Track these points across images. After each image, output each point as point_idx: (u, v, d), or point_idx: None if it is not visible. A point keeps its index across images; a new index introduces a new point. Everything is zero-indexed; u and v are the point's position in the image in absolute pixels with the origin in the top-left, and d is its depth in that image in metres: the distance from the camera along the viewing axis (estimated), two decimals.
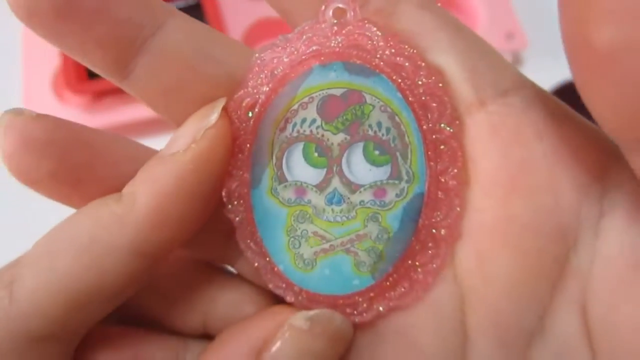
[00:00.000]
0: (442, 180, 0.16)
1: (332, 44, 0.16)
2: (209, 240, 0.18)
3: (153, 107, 0.17)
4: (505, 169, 0.15)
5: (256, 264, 0.17)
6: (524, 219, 0.15)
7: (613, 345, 0.14)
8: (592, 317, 0.15)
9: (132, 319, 0.19)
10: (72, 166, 0.16)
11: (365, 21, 0.16)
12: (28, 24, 0.15)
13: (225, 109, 0.16)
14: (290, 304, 0.17)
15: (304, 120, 0.16)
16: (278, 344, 0.16)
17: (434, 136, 0.16)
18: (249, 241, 0.17)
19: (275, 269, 0.17)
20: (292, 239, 0.17)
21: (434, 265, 0.16)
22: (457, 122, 0.16)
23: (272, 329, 0.16)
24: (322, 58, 0.16)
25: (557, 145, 0.15)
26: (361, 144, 0.16)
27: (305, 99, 0.16)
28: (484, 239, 0.16)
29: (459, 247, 0.16)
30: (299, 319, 0.16)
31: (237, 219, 0.17)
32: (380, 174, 0.16)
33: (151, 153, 0.17)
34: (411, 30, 0.16)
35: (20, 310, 0.15)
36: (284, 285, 0.17)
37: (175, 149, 0.15)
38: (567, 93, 0.47)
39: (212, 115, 0.16)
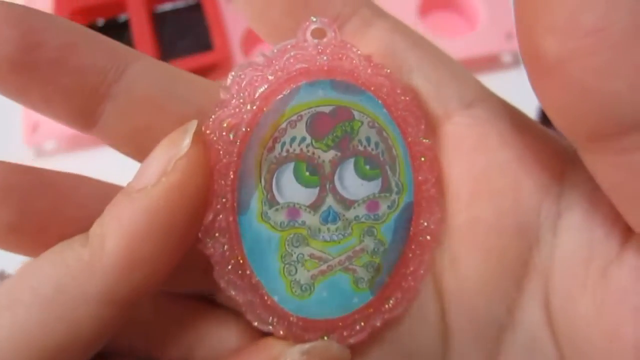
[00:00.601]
0: (424, 189, 0.17)
1: (319, 62, 0.16)
2: (185, 275, 0.17)
3: (123, 151, 0.16)
4: (471, 175, 0.17)
5: (241, 301, 0.16)
6: (488, 221, 0.16)
7: (572, 334, 0.16)
8: (554, 309, 0.16)
9: (114, 353, 0.18)
10: (33, 215, 0.15)
11: (346, 42, 0.16)
12: None
13: (197, 133, 0.15)
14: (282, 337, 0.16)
15: (293, 139, 0.16)
16: None
17: (415, 148, 0.17)
18: (232, 277, 0.16)
19: (269, 301, 0.16)
20: (287, 265, 0.16)
21: (422, 272, 0.17)
22: (433, 134, 0.17)
23: None
24: (310, 75, 0.16)
25: (517, 151, 0.16)
26: (352, 160, 0.16)
27: (294, 117, 0.16)
28: (454, 241, 0.17)
29: (435, 251, 0.17)
30: (295, 353, 0.15)
31: (218, 253, 0.16)
32: (372, 187, 0.16)
33: (118, 190, 0.15)
34: (383, 51, 0.17)
35: None
36: (275, 320, 0.16)
37: (144, 183, 0.14)
38: None
39: (184, 142, 0.14)
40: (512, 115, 0.17)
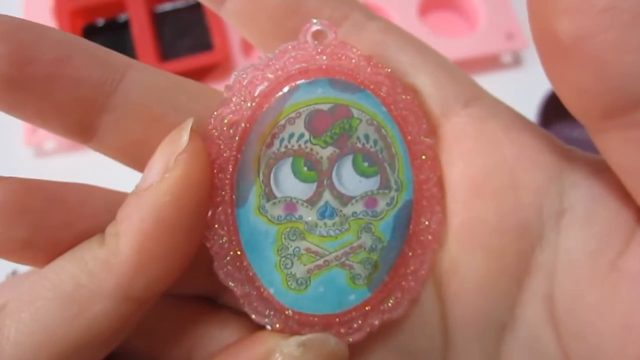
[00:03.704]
0: (425, 188, 0.17)
1: (318, 62, 0.16)
2: (188, 277, 0.17)
3: (122, 162, 0.16)
4: (469, 174, 0.17)
5: (239, 293, 0.16)
6: (488, 220, 0.16)
7: (580, 329, 0.15)
8: (559, 306, 0.16)
9: (115, 353, 0.18)
10: (48, 230, 0.15)
11: (346, 42, 0.17)
12: None
13: (194, 130, 0.15)
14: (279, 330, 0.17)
15: (291, 135, 0.16)
16: None
17: (415, 147, 0.17)
18: (230, 268, 0.16)
19: (265, 293, 0.16)
20: (283, 258, 0.16)
21: (423, 272, 0.17)
22: (433, 133, 0.17)
23: (263, 356, 0.16)
24: (309, 74, 0.16)
25: (515, 150, 0.16)
26: (350, 157, 0.16)
27: (293, 114, 0.16)
28: (454, 241, 0.17)
29: (436, 251, 0.17)
30: (291, 345, 0.15)
31: (218, 244, 0.16)
32: (370, 184, 0.16)
33: (126, 197, 0.16)
34: (377, 53, 0.17)
35: None
36: (272, 313, 0.16)
37: (150, 181, 0.15)
38: None
39: (182, 138, 0.15)
40: (508, 114, 0.17)
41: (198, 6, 0.52)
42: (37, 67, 0.14)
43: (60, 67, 0.14)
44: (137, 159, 0.16)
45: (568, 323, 0.16)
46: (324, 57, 0.16)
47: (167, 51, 0.51)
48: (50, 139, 0.48)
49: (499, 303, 0.17)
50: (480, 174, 0.16)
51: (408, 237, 0.17)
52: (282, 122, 0.16)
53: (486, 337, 0.17)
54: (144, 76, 0.16)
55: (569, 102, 0.14)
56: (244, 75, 0.17)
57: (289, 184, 0.16)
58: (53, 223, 0.15)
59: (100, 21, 0.53)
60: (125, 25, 0.52)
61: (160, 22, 0.52)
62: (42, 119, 0.15)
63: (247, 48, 0.51)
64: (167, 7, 0.52)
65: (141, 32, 0.49)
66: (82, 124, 0.15)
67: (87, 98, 0.15)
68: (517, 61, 0.51)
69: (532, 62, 0.51)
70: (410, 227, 0.17)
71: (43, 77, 0.14)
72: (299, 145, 0.16)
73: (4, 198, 0.14)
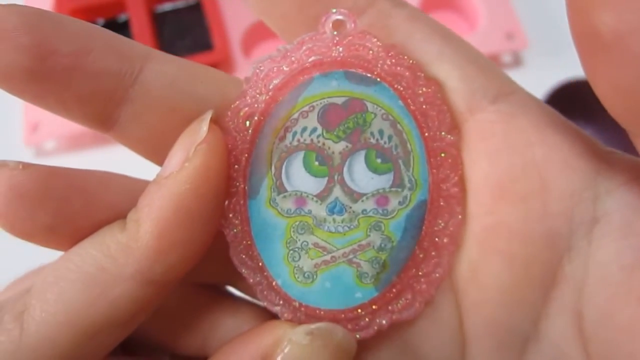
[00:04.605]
0: (444, 187, 0.16)
1: (334, 54, 0.16)
2: (207, 262, 0.17)
3: (141, 153, 0.17)
4: (494, 176, 0.16)
5: (251, 281, 0.17)
6: (512, 226, 0.15)
7: (609, 350, 0.14)
8: (588, 323, 0.15)
9: (130, 341, 0.18)
10: (69, 216, 0.15)
11: (366, 32, 0.16)
12: (4, 88, 0.14)
13: (214, 121, 0.16)
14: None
15: (304, 129, 0.16)
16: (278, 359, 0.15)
17: (434, 144, 0.16)
18: (243, 256, 0.17)
19: (273, 283, 0.16)
20: (291, 251, 0.16)
21: (437, 275, 0.16)
22: (457, 130, 0.16)
23: (271, 344, 0.15)
24: (324, 67, 0.16)
25: (546, 151, 0.15)
26: (363, 152, 0.16)
27: (306, 108, 0.16)
28: (475, 245, 0.16)
29: (453, 255, 0.16)
30: (299, 333, 0.15)
31: (232, 233, 0.17)
32: (382, 181, 0.16)
33: (145, 185, 0.16)
34: (403, 42, 0.16)
35: (29, 342, 0.14)
36: (280, 302, 0.16)
37: (170, 170, 0.15)
38: (567, 93, 0.47)
39: (202, 129, 0.15)
40: (540, 111, 0.16)
41: (198, 6, 0.52)
42: (58, 59, 0.14)
43: (80, 59, 0.14)
44: (157, 151, 0.16)
45: (597, 342, 0.15)
46: (340, 49, 0.16)
47: (167, 51, 0.51)
48: (50, 139, 0.48)
49: (521, 314, 0.16)
50: (506, 176, 0.15)
51: (420, 239, 0.16)
52: (296, 115, 0.16)
53: (507, 349, 0.16)
54: (162, 67, 0.16)
55: (609, 103, 0.13)
56: (261, 68, 0.16)
57: (300, 178, 0.16)
58: (74, 209, 0.15)
59: (100, 21, 0.53)
60: (125, 25, 0.52)
61: (160, 22, 0.52)
62: (64, 108, 0.15)
63: (247, 48, 0.51)
64: (167, 7, 0.52)
65: (141, 32, 0.49)
66: (102, 114, 0.15)
67: (106, 90, 0.15)
68: (517, 61, 0.51)
69: (532, 62, 0.51)
70: (424, 228, 0.16)
71: (65, 68, 0.14)
72: (311, 140, 0.16)
73: (29, 185, 0.14)
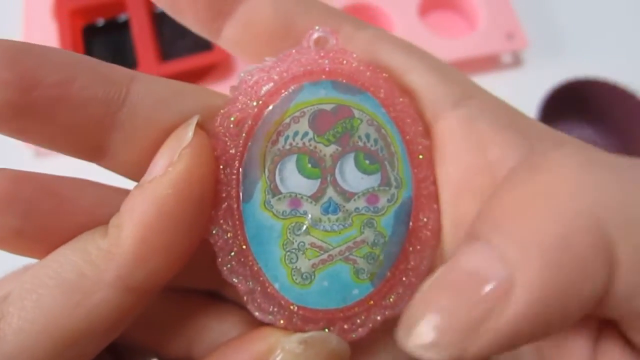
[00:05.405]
0: (423, 186, 0.17)
1: (321, 65, 0.17)
2: (190, 271, 0.17)
3: (133, 177, 0.16)
4: (454, 175, 0.17)
5: (243, 289, 0.17)
6: (470, 219, 0.16)
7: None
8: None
9: (115, 344, 0.18)
10: (38, 220, 0.15)
11: (345, 49, 0.18)
12: None
13: (200, 126, 0.16)
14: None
15: (296, 133, 0.17)
16: None
17: (414, 147, 0.17)
18: (234, 264, 0.17)
19: (269, 288, 0.17)
20: (288, 252, 0.17)
21: (423, 268, 0.17)
22: (428, 135, 0.18)
23: (264, 352, 0.16)
24: (313, 76, 0.17)
25: (500, 150, 0.16)
26: (352, 154, 0.17)
27: (297, 113, 0.17)
28: (448, 239, 0.17)
29: (435, 248, 0.17)
30: (293, 341, 0.16)
31: (222, 240, 0.17)
32: (371, 181, 0.17)
33: (124, 194, 0.16)
34: (371, 60, 0.18)
35: (7, 350, 0.14)
36: (275, 309, 0.17)
37: (154, 175, 0.15)
38: (566, 93, 0.47)
39: (187, 133, 0.15)
40: (500, 113, 0.17)
41: None
42: (42, 91, 0.14)
43: (65, 89, 0.14)
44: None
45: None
46: (327, 61, 0.17)
47: (167, 51, 0.51)
48: None
49: None
50: (463, 175, 0.17)
51: (408, 233, 0.17)
52: (287, 120, 0.17)
53: None
54: (148, 87, 0.16)
55: None
56: (250, 77, 0.17)
57: (294, 180, 0.17)
58: (43, 212, 0.15)
59: (100, 21, 0.53)
60: (125, 25, 0.52)
61: (160, 22, 0.52)
62: (50, 142, 0.15)
63: None
64: None
65: (141, 32, 0.49)
66: (91, 144, 0.15)
67: (94, 118, 0.15)
68: (517, 61, 0.52)
69: (532, 62, 0.52)
70: (411, 223, 0.17)
71: (48, 100, 0.14)
72: (304, 143, 0.17)
73: None
